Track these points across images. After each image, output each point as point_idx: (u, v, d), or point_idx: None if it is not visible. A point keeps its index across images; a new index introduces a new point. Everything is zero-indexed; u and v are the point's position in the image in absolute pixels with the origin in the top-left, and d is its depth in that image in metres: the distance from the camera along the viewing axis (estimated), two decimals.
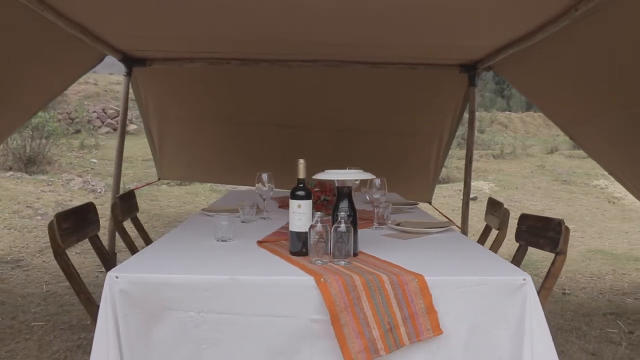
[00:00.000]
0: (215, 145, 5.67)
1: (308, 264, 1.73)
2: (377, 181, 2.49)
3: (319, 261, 1.75)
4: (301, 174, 1.87)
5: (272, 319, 1.58)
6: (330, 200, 2.83)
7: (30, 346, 3.07)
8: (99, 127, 12.55)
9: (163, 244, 2.09)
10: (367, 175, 1.96)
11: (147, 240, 3.47)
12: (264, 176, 2.73)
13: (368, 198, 2.57)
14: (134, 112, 13.94)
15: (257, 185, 2.74)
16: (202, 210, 2.94)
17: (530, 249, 2.64)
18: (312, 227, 1.74)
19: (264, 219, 2.74)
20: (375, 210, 2.60)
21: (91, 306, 2.25)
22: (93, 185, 6.77)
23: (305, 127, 5.49)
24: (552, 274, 2.38)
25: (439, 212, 6.05)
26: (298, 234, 1.85)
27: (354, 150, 5.57)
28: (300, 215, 1.84)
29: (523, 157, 16.86)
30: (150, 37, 4.12)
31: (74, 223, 2.38)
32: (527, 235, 2.72)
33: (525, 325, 1.56)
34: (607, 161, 4.76)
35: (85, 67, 4.39)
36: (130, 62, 4.69)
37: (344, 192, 1.87)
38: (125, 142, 4.98)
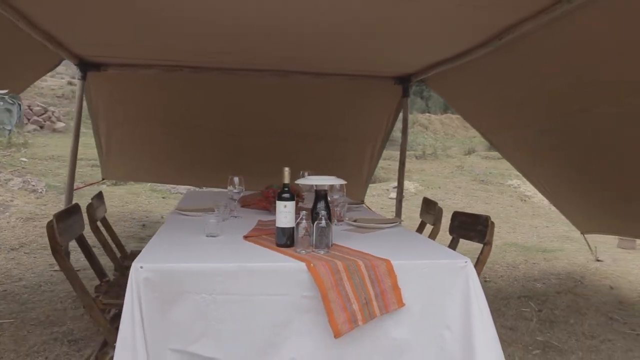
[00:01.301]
0: (164, 147, 5.86)
1: (295, 253, 2.11)
2: (337, 184, 2.90)
3: (303, 251, 2.13)
4: (286, 180, 2.24)
5: (271, 297, 1.95)
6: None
7: (5, 341, 3.22)
8: (25, 124, 12.15)
9: (158, 240, 2.38)
10: (340, 181, 2.37)
11: (115, 239, 3.70)
12: (236, 179, 3.07)
13: (329, 199, 2.97)
14: (61, 110, 13.58)
15: (228, 187, 3.07)
16: (176, 209, 3.22)
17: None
18: (298, 223, 2.12)
19: (235, 217, 3.07)
20: (335, 209, 3.01)
21: (87, 297, 2.52)
22: (33, 185, 6.74)
23: (251, 131, 5.81)
24: (480, 261, 2.89)
25: (372, 210, 6.56)
26: (283, 229, 2.22)
27: (295, 153, 5.94)
28: (286, 214, 2.21)
29: (443, 158, 17.92)
30: (108, 45, 4.31)
31: (67, 223, 2.62)
32: (458, 230, 3.24)
33: (470, 295, 2.02)
34: (520, 164, 5.45)
35: (43, 71, 4.51)
36: (86, 66, 4.83)
37: (321, 194, 2.27)
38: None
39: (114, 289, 2.74)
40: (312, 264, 1.96)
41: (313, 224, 2.15)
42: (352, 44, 4.05)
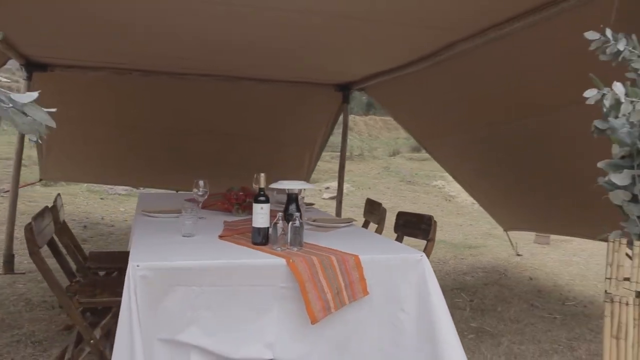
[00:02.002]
0: (109, 149, 5.86)
1: (272, 250, 2.34)
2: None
3: (279, 248, 2.36)
4: (262, 184, 2.47)
5: (253, 287, 2.17)
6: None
7: None
8: None
9: (139, 241, 2.52)
10: (310, 185, 2.63)
11: (74, 241, 3.75)
12: (201, 182, 3.24)
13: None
14: None
15: (194, 190, 3.24)
16: (142, 211, 3.33)
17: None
18: (275, 223, 2.36)
19: (200, 218, 3.23)
20: None
21: (65, 297, 2.62)
22: None
23: (198, 135, 5.94)
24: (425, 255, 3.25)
25: (322, 211, 6.86)
26: (259, 229, 2.45)
27: (241, 156, 6.14)
28: (262, 215, 2.44)
29: (370, 159, 18.54)
30: (56, 46, 4.33)
31: (42, 225, 2.71)
32: (403, 228, 3.59)
33: (427, 282, 2.34)
34: (450, 167, 5.93)
35: None
36: (31, 67, 4.79)
37: (292, 197, 2.52)
38: None
39: (86, 288, 2.84)
40: (291, 260, 2.21)
41: (288, 224, 2.39)
42: (296, 54, 4.30)
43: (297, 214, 2.41)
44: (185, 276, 2.10)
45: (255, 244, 2.46)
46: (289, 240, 2.38)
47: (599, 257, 6.50)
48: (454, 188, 13.96)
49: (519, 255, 6.51)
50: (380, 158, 19.66)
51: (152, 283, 2.06)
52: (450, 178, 15.54)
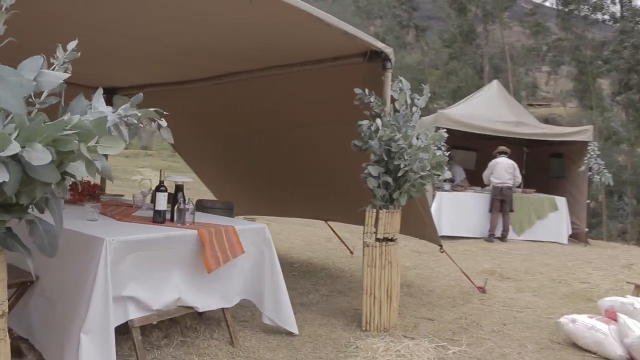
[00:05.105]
0: None
1: (176, 225, 3.32)
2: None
3: (179, 223, 3.35)
4: (162, 178, 3.39)
5: (173, 249, 3.14)
6: (100, 193, 4.12)
7: None
8: None
9: (75, 225, 3.08)
10: (190, 179, 3.63)
11: None
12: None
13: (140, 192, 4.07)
14: None
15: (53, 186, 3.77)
16: None
17: None
18: (178, 206, 3.34)
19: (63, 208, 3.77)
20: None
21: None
22: None
23: None
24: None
25: None
26: (160, 211, 3.38)
27: None
28: (163, 201, 3.37)
29: None
30: None
31: None
32: (207, 211, 4.76)
33: (267, 242, 3.64)
34: (200, 167, 7.18)
35: None
36: None
37: (180, 187, 3.51)
38: None
39: None
40: (199, 230, 3.26)
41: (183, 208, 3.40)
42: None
43: (188, 199, 3.44)
44: (139, 245, 2.96)
45: (156, 222, 3.38)
46: (186, 219, 3.39)
47: (296, 235, 8.67)
48: (158, 182, 14.92)
49: None
50: None
51: (118, 253, 2.86)
52: (148, 172, 16.37)
